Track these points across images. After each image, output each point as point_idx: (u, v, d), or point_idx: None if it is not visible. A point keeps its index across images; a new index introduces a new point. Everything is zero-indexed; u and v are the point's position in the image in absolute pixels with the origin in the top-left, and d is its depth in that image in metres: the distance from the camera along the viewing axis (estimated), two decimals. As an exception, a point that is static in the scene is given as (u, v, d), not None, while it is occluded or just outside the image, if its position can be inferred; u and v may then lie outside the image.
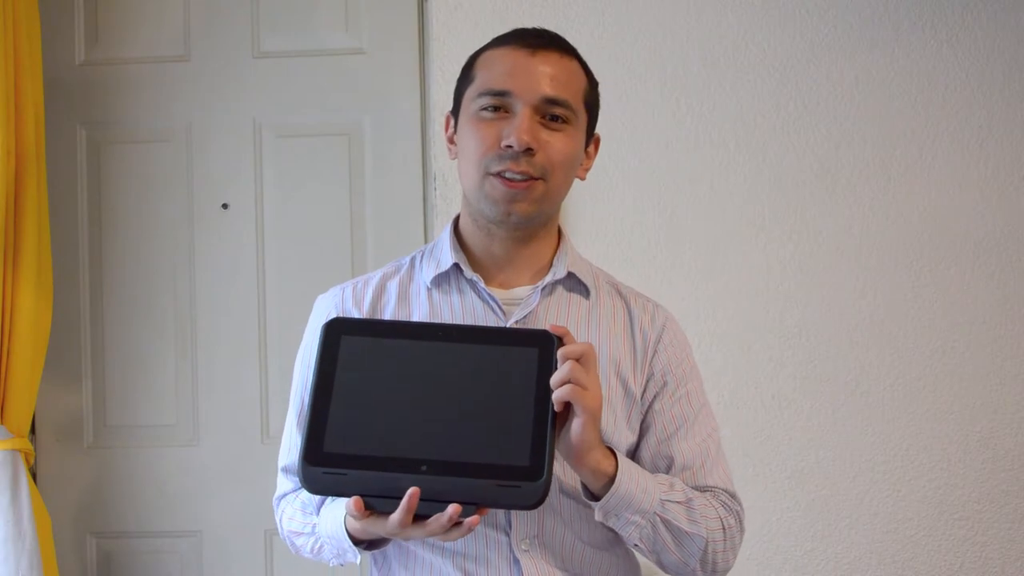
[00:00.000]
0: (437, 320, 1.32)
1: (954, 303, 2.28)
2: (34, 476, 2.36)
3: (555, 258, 1.36)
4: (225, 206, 2.46)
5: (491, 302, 1.32)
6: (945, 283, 2.28)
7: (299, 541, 1.35)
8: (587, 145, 1.37)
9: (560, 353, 1.16)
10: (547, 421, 1.13)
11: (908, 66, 2.28)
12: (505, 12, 2.28)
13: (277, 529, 1.41)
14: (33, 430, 2.42)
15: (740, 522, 1.34)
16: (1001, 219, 2.28)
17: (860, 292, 2.28)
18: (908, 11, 2.28)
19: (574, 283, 1.37)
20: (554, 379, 1.15)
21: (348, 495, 1.12)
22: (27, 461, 2.19)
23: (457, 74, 1.37)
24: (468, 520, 1.09)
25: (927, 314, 2.28)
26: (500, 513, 1.26)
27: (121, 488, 2.45)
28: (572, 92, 1.30)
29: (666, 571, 1.32)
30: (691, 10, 2.29)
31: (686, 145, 2.29)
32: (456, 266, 1.34)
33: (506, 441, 1.12)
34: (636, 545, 1.26)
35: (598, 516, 1.23)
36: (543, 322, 1.32)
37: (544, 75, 1.28)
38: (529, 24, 1.47)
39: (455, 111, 1.36)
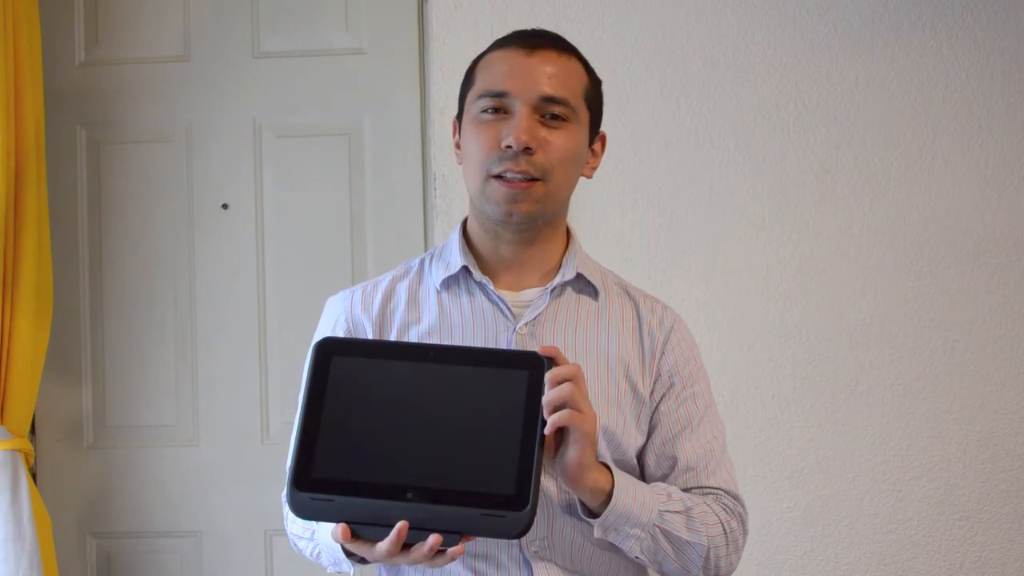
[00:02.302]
0: (447, 323, 1.32)
1: (954, 303, 2.28)
2: (34, 476, 2.36)
3: (564, 259, 1.36)
4: (225, 206, 2.46)
5: (500, 304, 1.32)
6: (945, 283, 2.28)
7: (300, 544, 1.36)
8: (592, 143, 1.36)
9: (550, 375, 1.14)
10: (534, 447, 1.11)
11: (908, 66, 2.28)
12: (505, 12, 2.28)
13: (278, 529, 1.42)
14: (33, 430, 2.42)
15: (743, 524, 1.34)
16: (1001, 219, 2.28)
17: (860, 292, 2.28)
18: (908, 11, 2.28)
19: (583, 284, 1.37)
20: (547, 401, 1.13)
21: (335, 521, 1.11)
22: (27, 461, 2.19)
23: (457, 74, 1.38)
24: (451, 550, 1.08)
25: (927, 314, 2.28)
26: None
27: (121, 488, 2.45)
28: (571, 90, 1.30)
29: None
30: (691, 10, 2.29)
31: (686, 145, 2.29)
32: (465, 268, 1.34)
33: (491, 468, 1.11)
34: (637, 557, 1.26)
35: (597, 532, 1.22)
36: (553, 324, 1.32)
37: (542, 74, 1.28)
38: (529, 25, 1.47)
39: (459, 116, 1.36)
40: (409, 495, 1.10)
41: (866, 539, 2.27)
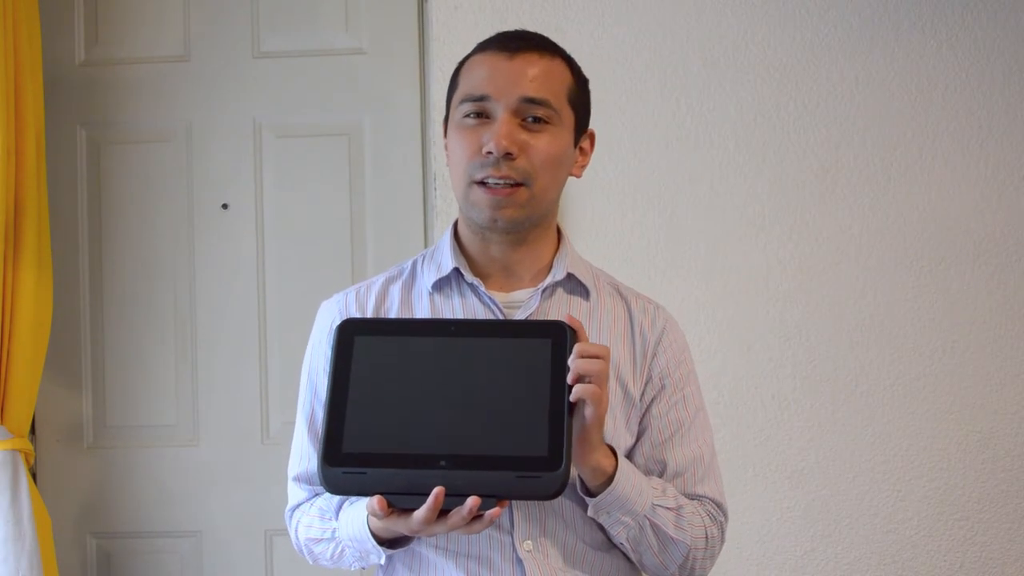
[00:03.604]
0: None
1: (954, 303, 2.28)
2: (34, 476, 2.36)
3: (555, 260, 1.36)
4: (225, 206, 2.46)
5: (492, 305, 1.32)
6: (945, 283, 2.28)
7: (318, 548, 1.34)
8: (579, 142, 1.36)
9: (581, 348, 1.16)
10: (563, 411, 1.14)
11: (908, 66, 2.28)
12: (505, 12, 2.28)
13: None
14: (33, 430, 2.42)
15: (722, 533, 1.35)
16: (1001, 219, 2.28)
17: (860, 292, 2.28)
18: (908, 12, 2.28)
19: (574, 285, 1.37)
20: (576, 370, 1.15)
21: (369, 494, 1.13)
22: (27, 461, 2.19)
23: (457, 74, 1.37)
24: (489, 512, 1.10)
25: (927, 314, 2.28)
26: (503, 514, 1.27)
27: (121, 488, 2.45)
28: (553, 91, 1.29)
29: (645, 572, 1.33)
30: (691, 10, 2.29)
31: (686, 145, 2.29)
32: (457, 270, 1.34)
33: (523, 432, 1.13)
34: (621, 544, 1.28)
35: (590, 512, 1.24)
36: None
37: (523, 76, 1.28)
38: (530, 26, 1.47)
39: (447, 120, 1.36)
40: (442, 463, 1.12)
41: (866, 539, 2.27)
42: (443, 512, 1.11)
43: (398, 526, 1.14)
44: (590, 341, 1.32)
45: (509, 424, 1.14)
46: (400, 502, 1.12)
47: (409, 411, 1.16)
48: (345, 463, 1.13)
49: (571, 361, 1.15)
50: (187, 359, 2.45)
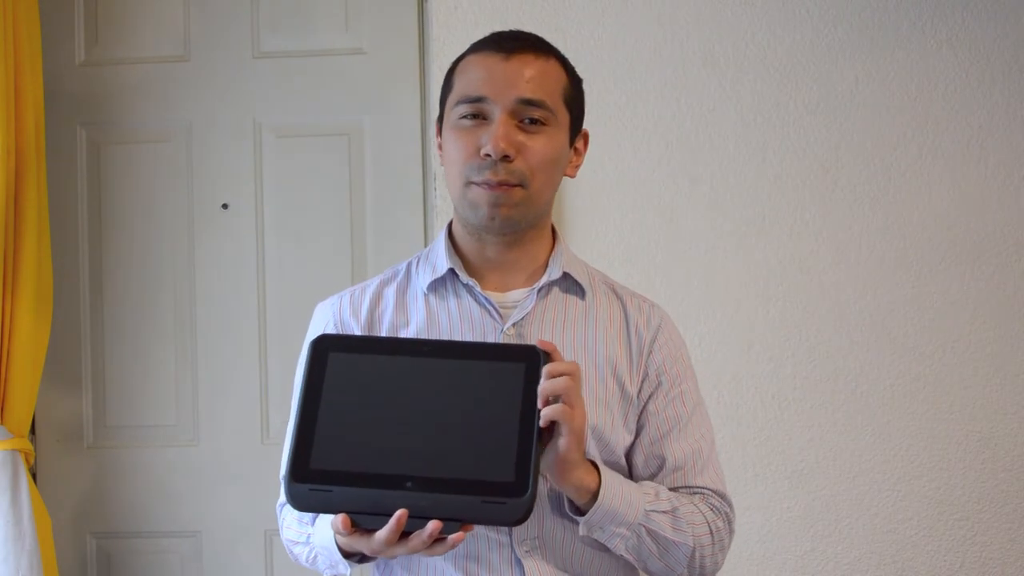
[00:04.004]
0: (435, 325, 1.33)
1: (954, 303, 2.28)
2: (34, 476, 2.36)
3: (550, 259, 1.36)
4: (225, 206, 2.46)
5: (488, 305, 1.32)
6: (945, 283, 2.28)
7: (296, 550, 1.35)
8: (574, 142, 1.36)
9: (548, 368, 1.15)
10: (532, 437, 1.13)
11: (908, 66, 2.28)
12: (505, 12, 2.28)
13: (278, 531, 1.41)
14: (33, 430, 2.42)
15: (729, 523, 1.34)
16: (1001, 219, 2.28)
17: (860, 292, 2.28)
18: (908, 11, 2.28)
19: (570, 284, 1.37)
20: (542, 391, 1.14)
21: (334, 512, 1.12)
22: (27, 461, 2.19)
23: (456, 75, 1.37)
24: (452, 537, 1.09)
25: (927, 314, 2.28)
26: None
27: (121, 488, 2.45)
28: (549, 92, 1.29)
29: None
30: (691, 10, 2.29)
31: (686, 145, 2.29)
32: (452, 271, 1.34)
33: (491, 457, 1.12)
34: (623, 556, 1.27)
35: (582, 531, 1.23)
36: (540, 324, 1.32)
37: (519, 77, 1.28)
38: (530, 26, 1.47)
39: (440, 119, 1.36)
40: (408, 484, 1.10)
41: (866, 539, 2.28)
42: (405, 534, 1.10)
43: (360, 545, 1.13)
44: (583, 342, 1.33)
45: (478, 448, 1.13)
46: (364, 522, 1.11)
47: (379, 430, 1.14)
48: (311, 480, 1.12)
49: (540, 384, 1.15)
50: (187, 359, 2.45)
